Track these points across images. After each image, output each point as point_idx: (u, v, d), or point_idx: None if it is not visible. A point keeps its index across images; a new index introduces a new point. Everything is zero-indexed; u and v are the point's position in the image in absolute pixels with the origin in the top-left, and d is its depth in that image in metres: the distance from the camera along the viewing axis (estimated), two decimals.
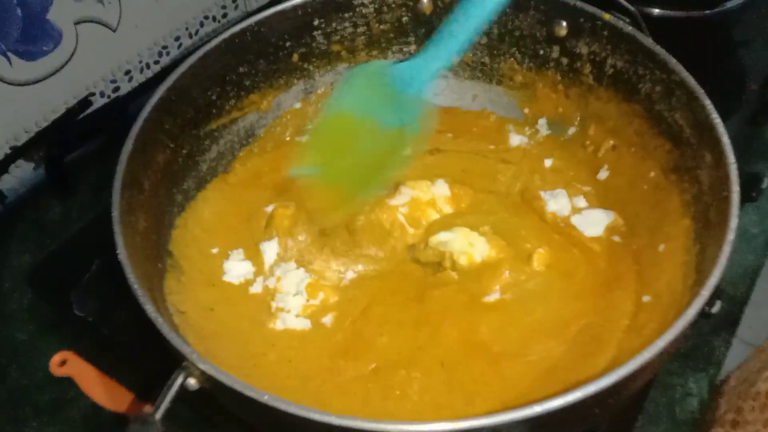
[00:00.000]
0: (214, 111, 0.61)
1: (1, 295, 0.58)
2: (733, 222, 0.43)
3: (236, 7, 0.80)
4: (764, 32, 0.74)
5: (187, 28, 0.76)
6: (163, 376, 0.40)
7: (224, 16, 0.79)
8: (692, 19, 0.65)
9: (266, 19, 0.61)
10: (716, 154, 0.48)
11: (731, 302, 0.54)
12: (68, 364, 0.51)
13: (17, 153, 0.64)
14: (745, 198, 0.50)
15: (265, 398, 0.37)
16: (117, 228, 0.46)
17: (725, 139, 0.47)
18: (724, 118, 0.48)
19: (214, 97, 0.61)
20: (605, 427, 0.47)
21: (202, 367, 0.39)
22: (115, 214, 0.46)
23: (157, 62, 0.74)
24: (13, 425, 0.51)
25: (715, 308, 0.45)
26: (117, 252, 0.44)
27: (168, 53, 0.75)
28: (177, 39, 0.75)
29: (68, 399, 0.51)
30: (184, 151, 0.59)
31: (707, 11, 0.67)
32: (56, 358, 0.52)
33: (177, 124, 0.57)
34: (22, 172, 0.66)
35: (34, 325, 0.56)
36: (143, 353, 0.43)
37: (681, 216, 0.51)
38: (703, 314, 0.43)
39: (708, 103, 0.49)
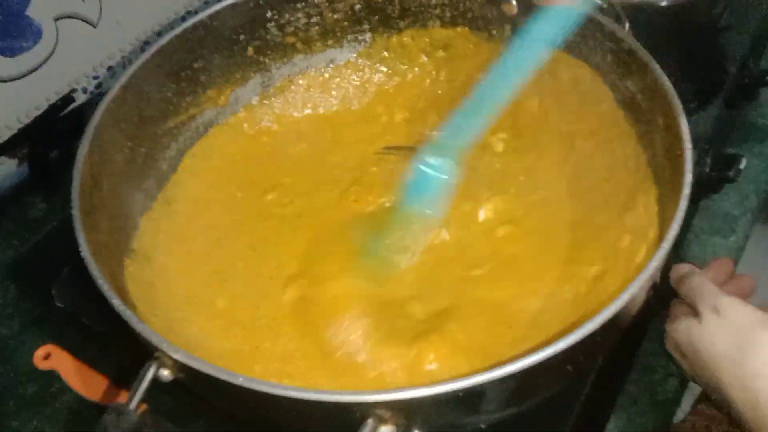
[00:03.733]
0: (170, 108, 0.49)
1: None
2: (688, 177, 0.35)
3: (218, 0, 0.66)
4: (744, 15, 0.60)
5: (169, 23, 0.62)
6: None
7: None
8: (672, 6, 0.53)
9: (218, 13, 0.49)
10: (669, 116, 0.38)
11: None
12: (52, 358, 0.42)
13: (0, 150, 0.52)
14: (725, 179, 0.42)
15: (240, 380, 0.30)
16: (78, 226, 0.36)
17: (676, 101, 0.38)
18: (705, 102, 0.40)
19: (169, 94, 0.49)
20: (584, 407, 0.38)
21: (174, 356, 0.31)
22: (75, 213, 0.37)
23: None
24: None
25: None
26: (80, 250, 0.35)
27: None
28: (159, 34, 0.61)
29: (53, 392, 0.42)
30: (143, 150, 0.47)
31: None
32: (40, 352, 0.42)
33: (133, 122, 0.46)
34: (6, 169, 0.54)
35: (17, 320, 0.46)
36: (124, 343, 0.34)
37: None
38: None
39: (656, 67, 0.40)
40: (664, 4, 0.50)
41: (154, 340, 0.32)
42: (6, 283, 0.47)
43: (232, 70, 0.53)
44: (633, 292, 0.31)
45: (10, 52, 0.50)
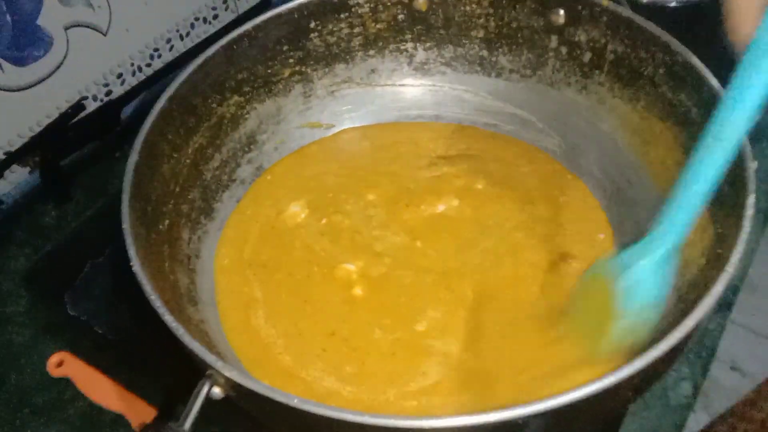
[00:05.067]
0: (215, 119, 0.63)
1: None
2: (751, 199, 0.44)
3: (227, 8, 0.82)
4: None
5: (177, 30, 0.77)
6: (161, 374, 0.42)
7: (215, 17, 0.81)
8: (682, 7, 0.68)
9: (263, 24, 0.63)
10: None
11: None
12: (65, 365, 0.53)
13: (12, 158, 0.65)
14: None
15: (295, 402, 0.38)
16: (129, 240, 0.47)
17: None
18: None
19: (214, 105, 0.62)
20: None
21: (227, 374, 0.40)
22: (126, 227, 0.47)
23: (149, 65, 0.75)
24: (11, 426, 0.52)
25: None
26: (131, 264, 0.45)
27: (160, 56, 0.76)
28: (168, 41, 0.77)
29: (66, 399, 0.52)
30: (188, 161, 0.60)
31: None
32: (53, 359, 0.53)
33: (179, 134, 0.59)
34: (18, 177, 0.67)
35: (31, 328, 0.57)
36: (137, 351, 0.45)
37: None
38: None
39: (715, 82, 0.51)
40: (673, 4, 0.65)
41: (208, 359, 0.40)
42: (19, 291, 0.59)
43: (275, 81, 0.66)
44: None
45: (21, 61, 0.63)
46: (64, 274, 0.58)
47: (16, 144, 0.66)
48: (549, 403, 0.36)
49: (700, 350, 0.53)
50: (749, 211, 0.43)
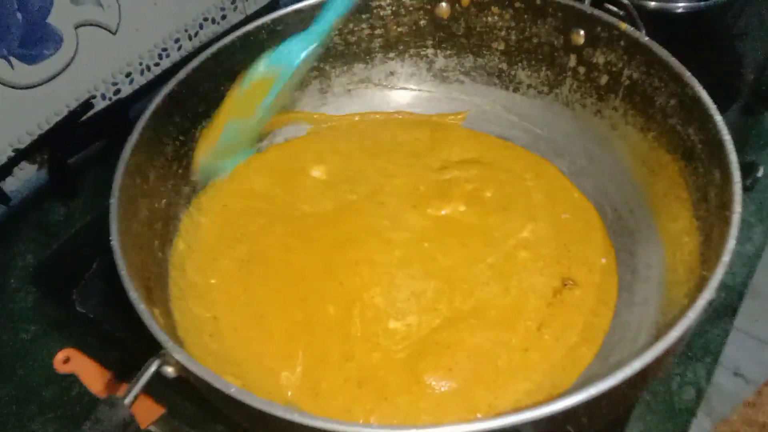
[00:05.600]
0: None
1: (7, 295, 0.71)
2: (731, 243, 0.51)
3: (235, 9, 0.94)
4: (761, 22, 0.89)
5: (186, 30, 0.89)
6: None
7: (223, 17, 0.93)
8: (688, 12, 0.78)
9: (282, 18, 0.74)
10: (724, 172, 0.56)
11: (729, 292, 0.65)
12: (72, 361, 0.63)
13: (20, 155, 0.77)
14: (742, 188, 0.57)
15: (232, 391, 0.45)
16: (114, 214, 0.56)
17: (733, 158, 0.56)
18: (722, 109, 0.58)
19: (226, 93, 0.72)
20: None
21: (176, 357, 0.48)
22: (114, 201, 0.57)
23: (157, 64, 0.87)
24: (18, 422, 0.62)
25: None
26: (110, 238, 0.54)
27: (168, 55, 0.88)
28: (177, 41, 0.88)
29: (73, 395, 0.62)
30: (194, 144, 0.71)
31: (702, 3, 0.80)
32: (60, 356, 0.63)
33: (187, 117, 0.70)
34: (26, 174, 0.79)
35: (38, 324, 0.68)
36: (143, 347, 0.50)
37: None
38: None
39: (719, 119, 0.58)
40: (679, 11, 0.74)
41: (160, 338, 0.48)
42: (27, 288, 0.70)
43: None
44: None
45: (31, 60, 0.75)
46: (71, 271, 0.69)
47: (25, 141, 0.78)
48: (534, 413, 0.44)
49: (703, 356, 0.62)
50: (726, 257, 0.51)
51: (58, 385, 0.63)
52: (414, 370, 0.59)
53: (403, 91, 0.83)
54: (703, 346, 0.62)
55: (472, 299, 0.64)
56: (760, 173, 0.59)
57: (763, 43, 0.87)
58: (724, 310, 0.64)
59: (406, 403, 0.58)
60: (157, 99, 0.66)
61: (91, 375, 0.62)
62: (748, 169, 0.61)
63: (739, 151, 0.55)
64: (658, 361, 0.47)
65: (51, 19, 0.74)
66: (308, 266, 0.67)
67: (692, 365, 0.61)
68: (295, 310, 0.63)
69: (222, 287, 0.66)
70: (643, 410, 0.59)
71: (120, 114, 0.82)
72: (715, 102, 0.59)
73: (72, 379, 0.62)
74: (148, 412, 0.59)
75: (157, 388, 0.57)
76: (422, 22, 0.79)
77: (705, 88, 0.60)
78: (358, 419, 0.57)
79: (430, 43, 0.81)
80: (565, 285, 0.65)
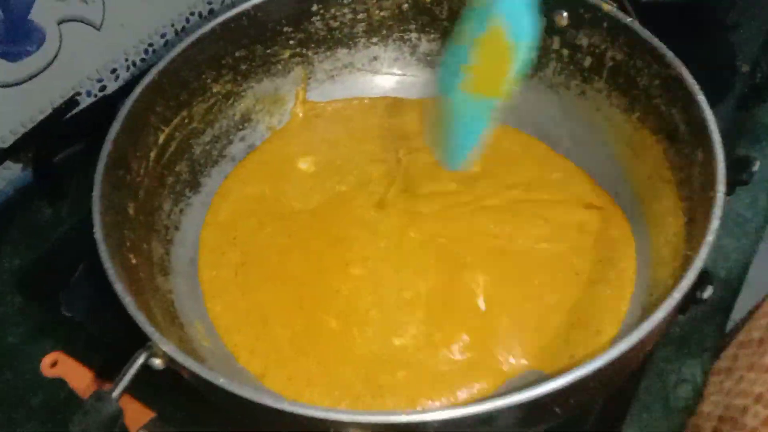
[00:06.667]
0: (208, 95, 0.74)
1: None
2: (715, 223, 0.52)
3: (222, 2, 0.93)
4: (754, 14, 0.87)
5: (173, 25, 0.88)
6: (157, 375, 0.49)
7: (210, 12, 0.92)
8: (680, 3, 0.78)
9: (263, 4, 0.73)
10: (707, 152, 0.56)
11: (725, 287, 0.65)
12: (59, 365, 0.62)
13: (5, 155, 0.77)
14: (737, 182, 0.59)
15: (221, 381, 0.46)
16: (96, 207, 0.56)
17: (716, 137, 0.56)
18: (715, 102, 0.58)
19: (209, 81, 0.73)
20: (598, 414, 0.57)
21: (164, 348, 0.48)
22: (96, 194, 0.57)
23: (143, 60, 0.87)
24: (7, 427, 0.62)
25: (707, 293, 0.54)
26: (94, 231, 0.55)
27: (154, 51, 0.88)
28: (163, 36, 0.88)
29: (61, 400, 0.62)
30: (177, 134, 0.71)
31: None
32: (47, 360, 0.62)
33: (169, 106, 0.69)
34: (11, 174, 0.79)
35: (25, 328, 0.68)
36: (132, 350, 0.51)
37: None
38: (695, 300, 0.52)
39: (702, 98, 0.58)
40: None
41: (147, 330, 0.48)
42: (13, 291, 0.70)
43: (274, 61, 0.77)
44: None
45: (14, 57, 0.74)
46: (58, 273, 0.69)
47: (9, 140, 0.77)
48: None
49: (700, 352, 0.62)
50: (710, 237, 0.51)
51: (46, 390, 0.63)
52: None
53: (387, 76, 0.83)
54: (698, 343, 0.62)
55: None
56: (756, 168, 0.58)
57: (756, 34, 0.85)
58: (718, 306, 0.63)
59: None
60: (138, 88, 0.65)
61: (79, 378, 0.61)
62: (743, 163, 0.60)
63: (734, 144, 0.55)
64: (641, 344, 0.47)
65: (33, 16, 0.74)
66: (303, 270, 0.67)
67: (688, 362, 0.61)
68: (297, 320, 0.64)
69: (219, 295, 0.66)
70: (639, 408, 0.59)
71: (106, 111, 0.80)
72: (709, 94, 0.59)
73: (60, 383, 0.62)
74: (137, 416, 0.59)
75: (147, 392, 0.58)
76: (405, 6, 0.78)
77: (699, 81, 0.60)
78: None
79: (413, 27, 0.80)
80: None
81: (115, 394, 0.48)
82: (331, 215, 0.71)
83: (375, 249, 0.67)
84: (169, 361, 0.49)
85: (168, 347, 0.48)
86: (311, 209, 0.72)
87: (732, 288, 0.65)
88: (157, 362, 0.49)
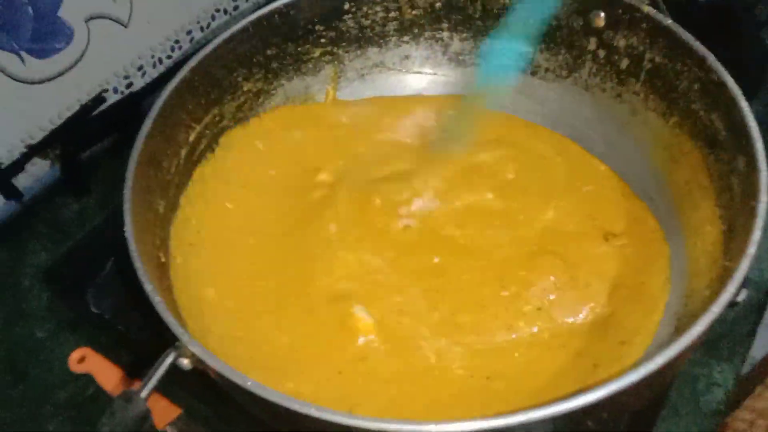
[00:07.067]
0: (239, 93, 0.74)
1: (20, 294, 0.71)
2: (757, 234, 0.50)
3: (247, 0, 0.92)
4: None
5: (198, 22, 0.89)
6: (184, 373, 0.49)
7: (235, 8, 0.93)
8: (713, 2, 0.77)
9: (295, 2, 0.73)
10: (749, 160, 0.55)
11: (757, 289, 0.64)
12: (87, 361, 0.62)
13: (33, 151, 0.77)
14: None
15: (248, 384, 0.45)
16: (127, 206, 0.56)
17: (759, 146, 0.54)
18: (748, 100, 0.57)
19: (240, 79, 0.73)
20: (628, 419, 0.56)
21: (192, 349, 0.48)
22: (127, 192, 0.57)
23: (169, 57, 0.87)
24: (34, 423, 0.62)
25: (741, 296, 0.52)
26: (124, 230, 0.54)
27: (180, 47, 0.88)
28: (189, 33, 0.88)
29: (88, 396, 0.63)
30: (208, 132, 0.71)
31: None
32: (74, 355, 0.63)
33: (201, 104, 0.69)
34: (38, 170, 0.79)
35: (52, 323, 0.68)
36: (159, 347, 0.50)
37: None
38: (730, 304, 0.50)
39: (745, 105, 0.57)
40: None
41: (176, 330, 0.48)
42: (41, 286, 0.70)
43: (305, 59, 0.77)
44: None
45: (42, 54, 0.74)
46: (85, 269, 0.69)
47: (37, 137, 0.78)
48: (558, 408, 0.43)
49: (731, 356, 0.61)
50: (751, 249, 0.50)
51: (74, 385, 0.64)
52: None
53: (418, 75, 0.82)
54: (729, 347, 0.61)
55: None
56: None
57: None
58: (751, 308, 0.62)
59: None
60: (170, 86, 0.65)
61: (107, 375, 0.62)
62: None
63: (765, 144, 0.54)
64: (678, 358, 0.46)
65: (61, 13, 0.74)
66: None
67: (719, 366, 0.60)
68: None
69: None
70: (670, 413, 0.58)
71: (133, 108, 0.82)
72: (742, 93, 0.57)
73: (87, 379, 0.62)
74: (164, 412, 0.59)
75: (174, 389, 0.59)
76: (438, 5, 0.78)
77: (733, 78, 0.58)
78: None
79: (445, 26, 0.79)
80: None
81: (144, 394, 0.48)
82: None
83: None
84: (197, 361, 0.49)
85: (197, 348, 0.48)
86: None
87: (764, 290, 0.64)
88: (185, 362, 0.49)
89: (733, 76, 0.59)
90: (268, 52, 0.74)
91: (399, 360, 0.59)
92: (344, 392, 0.57)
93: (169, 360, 0.48)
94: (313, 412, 0.44)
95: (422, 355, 0.59)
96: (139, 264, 0.52)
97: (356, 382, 0.58)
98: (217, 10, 0.90)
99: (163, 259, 0.60)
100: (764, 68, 0.80)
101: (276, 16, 0.72)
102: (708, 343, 0.61)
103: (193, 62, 0.67)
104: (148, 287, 0.51)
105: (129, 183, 0.58)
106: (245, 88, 0.74)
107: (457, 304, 0.62)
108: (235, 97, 0.73)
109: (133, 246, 0.54)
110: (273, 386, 0.48)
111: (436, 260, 0.65)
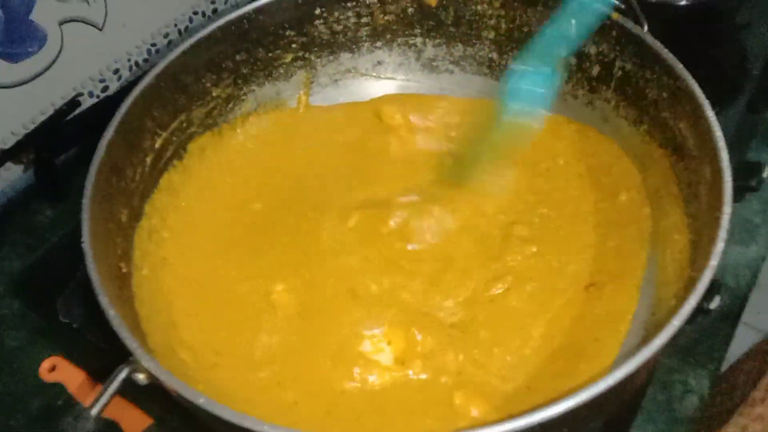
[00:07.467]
0: (208, 99, 0.74)
1: None
2: (719, 246, 0.50)
3: (226, 2, 0.93)
4: (765, 15, 0.86)
5: (176, 25, 0.88)
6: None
7: (214, 11, 0.92)
8: (691, 6, 0.77)
9: (264, 7, 0.73)
10: (715, 170, 0.55)
11: (733, 295, 0.64)
12: (58, 370, 0.61)
13: (6, 156, 0.76)
14: (747, 188, 0.59)
15: (201, 401, 0.45)
16: (86, 215, 0.55)
17: (724, 155, 0.55)
18: (724, 105, 0.58)
19: (208, 85, 0.73)
20: (602, 426, 0.56)
21: (145, 364, 0.47)
22: (86, 201, 0.56)
23: (146, 60, 0.86)
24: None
25: (714, 304, 0.54)
26: (82, 241, 0.54)
27: (158, 51, 0.87)
28: (166, 36, 0.88)
29: (59, 405, 0.62)
30: (176, 138, 0.71)
31: None
32: (45, 364, 0.61)
33: (167, 111, 0.69)
34: (12, 175, 0.79)
35: (24, 331, 0.68)
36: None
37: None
38: (702, 311, 0.51)
39: (711, 115, 0.57)
40: (683, 3, 0.73)
41: (129, 344, 0.47)
42: (12, 294, 0.70)
43: (276, 65, 0.77)
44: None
45: (15, 58, 0.74)
46: (57, 277, 0.68)
47: (10, 141, 0.77)
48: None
49: (706, 362, 0.61)
50: (713, 261, 0.50)
51: (45, 395, 0.63)
52: None
53: (391, 81, 0.82)
54: (706, 353, 0.61)
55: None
56: (765, 173, 0.57)
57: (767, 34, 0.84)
58: (727, 314, 0.63)
59: None
60: (134, 93, 0.65)
61: (78, 384, 0.60)
62: (754, 169, 0.60)
63: (744, 149, 0.53)
64: (641, 369, 0.46)
65: (34, 16, 0.74)
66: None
67: (694, 372, 0.60)
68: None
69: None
70: (645, 419, 0.58)
71: (108, 112, 0.79)
72: (719, 98, 0.58)
73: (59, 388, 0.60)
74: (135, 422, 0.59)
75: (144, 398, 0.58)
76: (410, 10, 0.78)
77: (709, 84, 0.59)
78: None
79: (418, 31, 0.79)
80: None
81: (94, 411, 0.47)
82: None
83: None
84: (151, 377, 0.48)
85: (149, 363, 0.47)
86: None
87: (740, 297, 0.64)
88: (141, 377, 0.48)
89: (712, 83, 0.59)
90: (238, 57, 0.74)
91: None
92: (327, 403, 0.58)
93: (122, 375, 0.48)
94: (267, 430, 0.44)
95: None
96: (95, 276, 0.52)
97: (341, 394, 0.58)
98: (195, 13, 0.90)
99: (124, 270, 0.60)
100: (744, 75, 0.80)
101: (245, 21, 0.72)
102: (684, 350, 0.61)
103: (158, 68, 0.67)
104: (104, 300, 0.51)
105: (88, 192, 0.57)
106: (214, 94, 0.74)
107: None
108: (204, 103, 0.73)
109: (90, 257, 0.53)
110: (254, 396, 0.49)
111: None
